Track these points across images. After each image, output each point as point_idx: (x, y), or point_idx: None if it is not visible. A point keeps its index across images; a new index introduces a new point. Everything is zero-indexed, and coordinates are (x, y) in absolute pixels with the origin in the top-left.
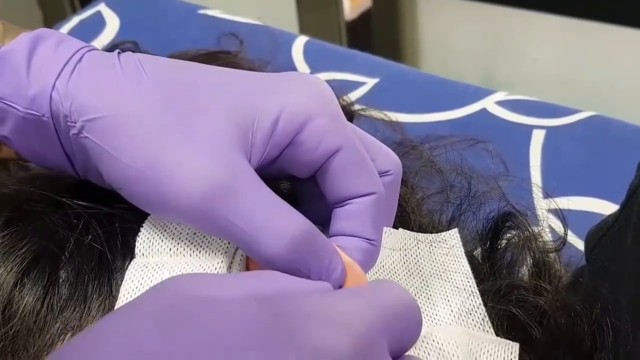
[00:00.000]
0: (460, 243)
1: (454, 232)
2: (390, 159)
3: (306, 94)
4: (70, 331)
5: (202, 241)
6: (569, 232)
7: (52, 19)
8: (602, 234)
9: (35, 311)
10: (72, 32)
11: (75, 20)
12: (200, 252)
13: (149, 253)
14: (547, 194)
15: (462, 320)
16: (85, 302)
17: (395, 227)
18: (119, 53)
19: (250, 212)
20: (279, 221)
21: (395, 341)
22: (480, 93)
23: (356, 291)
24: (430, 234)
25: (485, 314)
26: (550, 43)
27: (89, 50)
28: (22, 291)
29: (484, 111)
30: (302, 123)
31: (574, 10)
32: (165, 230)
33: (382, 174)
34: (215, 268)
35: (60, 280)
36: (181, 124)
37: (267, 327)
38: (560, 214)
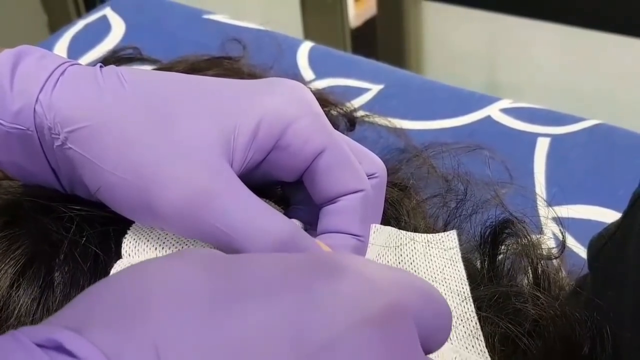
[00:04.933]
0: (458, 246)
1: (452, 233)
2: (376, 163)
3: (287, 98)
4: None
5: (188, 242)
6: (573, 241)
7: (57, 24)
8: (604, 242)
9: (31, 312)
10: (78, 36)
11: (81, 24)
12: None
13: (135, 254)
14: (549, 203)
15: (454, 327)
16: None
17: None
18: (100, 67)
19: (232, 216)
20: (262, 224)
21: (425, 335)
22: (485, 100)
23: (396, 269)
24: (427, 234)
25: (477, 322)
26: (555, 50)
27: (71, 65)
28: (17, 292)
29: (488, 118)
30: (284, 126)
31: (578, 20)
32: (151, 232)
33: (368, 176)
34: None
35: (56, 282)
36: (163, 131)
37: (310, 268)
38: (558, 221)
